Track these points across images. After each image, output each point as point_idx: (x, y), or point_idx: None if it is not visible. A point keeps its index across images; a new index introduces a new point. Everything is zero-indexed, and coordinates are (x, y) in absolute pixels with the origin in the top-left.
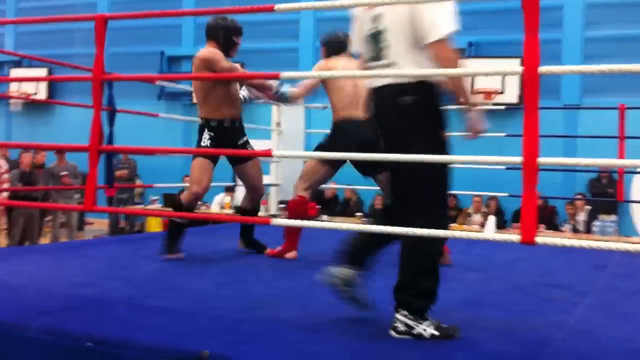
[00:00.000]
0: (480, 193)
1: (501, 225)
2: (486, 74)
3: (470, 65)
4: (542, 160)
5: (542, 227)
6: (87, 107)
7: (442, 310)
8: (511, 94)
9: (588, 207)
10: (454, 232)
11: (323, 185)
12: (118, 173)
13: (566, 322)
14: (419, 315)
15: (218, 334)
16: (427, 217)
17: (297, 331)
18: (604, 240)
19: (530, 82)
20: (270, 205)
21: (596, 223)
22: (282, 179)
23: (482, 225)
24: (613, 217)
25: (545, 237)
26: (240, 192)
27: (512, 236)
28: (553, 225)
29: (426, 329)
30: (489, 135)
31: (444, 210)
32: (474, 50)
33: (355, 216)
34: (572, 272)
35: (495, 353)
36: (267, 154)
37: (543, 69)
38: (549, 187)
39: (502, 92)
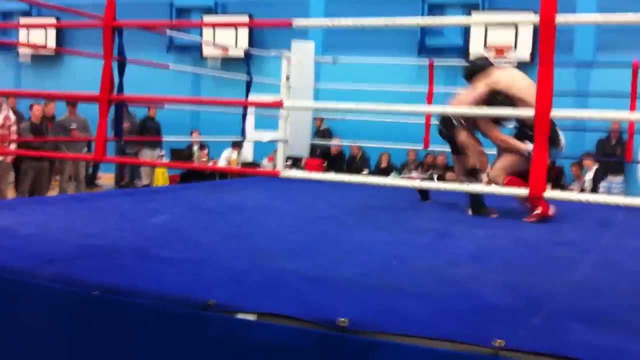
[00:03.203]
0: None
1: None
2: (502, 24)
3: (483, 18)
4: (555, 112)
5: (548, 186)
6: (96, 57)
7: (448, 265)
8: (524, 50)
9: (596, 168)
10: (462, 186)
11: (329, 142)
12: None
13: (570, 278)
14: None
15: (224, 284)
16: None
17: (304, 282)
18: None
19: (546, 32)
20: (277, 161)
21: (603, 184)
22: (290, 134)
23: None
24: (620, 178)
25: (552, 192)
26: (247, 148)
27: (521, 190)
28: (560, 185)
29: None
30: None
31: None
32: (488, 3)
33: (360, 173)
34: (578, 230)
35: (500, 306)
36: (279, 104)
37: (560, 17)
38: None
39: (514, 48)
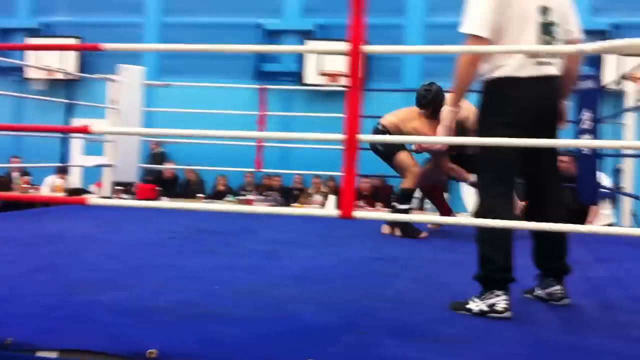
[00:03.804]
0: (317, 172)
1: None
2: (316, 52)
3: (311, 47)
4: (362, 137)
5: (379, 205)
6: None
7: (270, 286)
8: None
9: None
10: (286, 209)
11: (162, 166)
12: None
13: (387, 294)
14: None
15: (25, 321)
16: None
17: (116, 314)
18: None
19: (353, 61)
20: (105, 187)
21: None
22: (118, 159)
23: (323, 205)
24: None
25: (362, 212)
26: (75, 174)
27: (332, 211)
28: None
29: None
30: (329, 116)
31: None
32: (322, 33)
33: (196, 197)
34: (399, 245)
35: (316, 326)
36: (84, 130)
37: (367, 47)
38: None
39: (346, 75)
